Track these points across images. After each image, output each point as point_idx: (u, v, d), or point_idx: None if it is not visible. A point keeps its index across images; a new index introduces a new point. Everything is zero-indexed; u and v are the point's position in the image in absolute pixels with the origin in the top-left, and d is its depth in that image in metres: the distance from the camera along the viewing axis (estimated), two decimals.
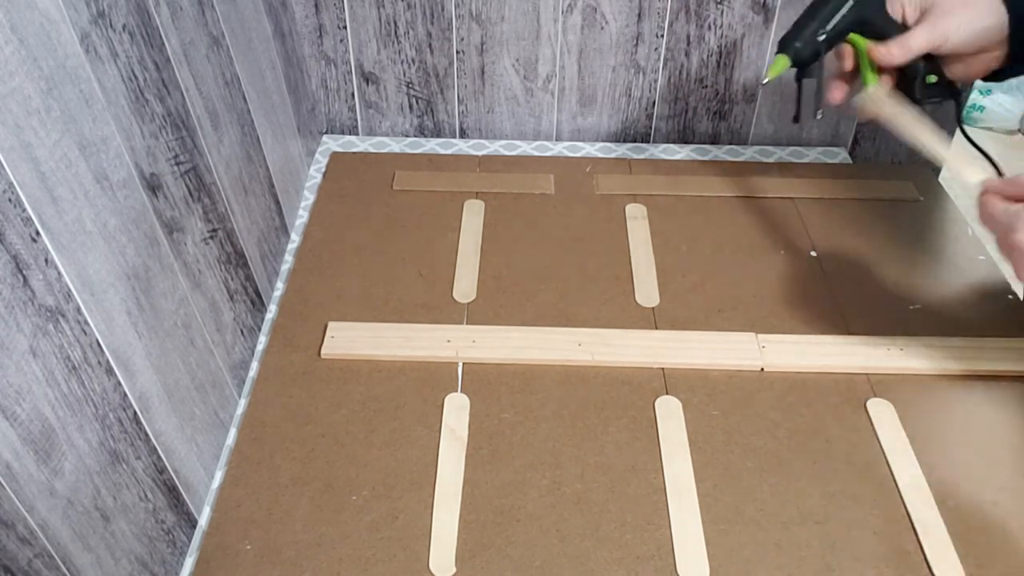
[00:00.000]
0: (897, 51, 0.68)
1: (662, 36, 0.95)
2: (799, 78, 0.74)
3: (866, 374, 0.72)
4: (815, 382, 0.72)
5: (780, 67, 0.72)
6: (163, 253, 0.59)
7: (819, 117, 0.73)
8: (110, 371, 0.51)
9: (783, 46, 0.72)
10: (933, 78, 0.70)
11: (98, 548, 0.50)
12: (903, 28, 0.69)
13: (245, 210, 0.75)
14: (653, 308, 0.79)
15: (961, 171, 0.65)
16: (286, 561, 0.60)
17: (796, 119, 0.76)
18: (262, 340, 0.78)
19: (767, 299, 0.80)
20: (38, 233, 0.44)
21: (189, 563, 0.61)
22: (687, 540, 0.61)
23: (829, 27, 0.71)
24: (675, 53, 0.97)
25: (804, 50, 0.71)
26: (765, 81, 0.74)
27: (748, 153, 1.02)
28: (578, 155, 1.01)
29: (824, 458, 0.66)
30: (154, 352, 0.57)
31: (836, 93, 0.72)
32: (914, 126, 0.69)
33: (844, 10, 0.70)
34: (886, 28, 0.69)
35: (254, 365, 0.75)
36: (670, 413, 0.69)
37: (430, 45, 0.97)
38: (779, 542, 0.61)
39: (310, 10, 0.95)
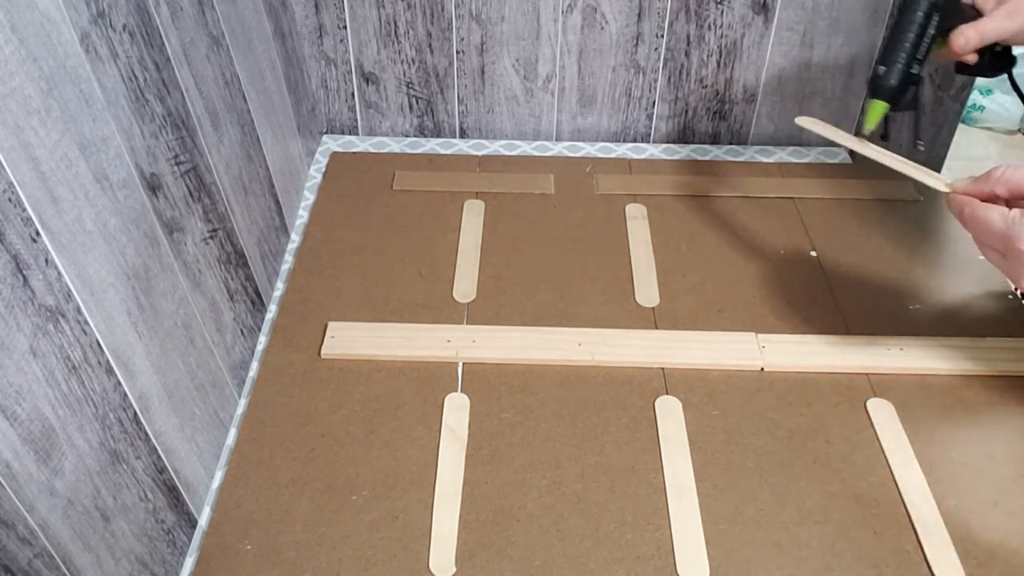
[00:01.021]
0: (973, 34, 0.65)
1: (662, 36, 0.95)
2: (895, 111, 0.69)
3: (866, 374, 0.72)
4: (815, 382, 0.72)
5: (879, 113, 0.67)
6: (163, 253, 0.59)
7: (920, 148, 0.69)
8: (110, 371, 0.51)
9: (877, 90, 0.67)
10: (999, 47, 0.67)
11: (98, 548, 0.50)
12: (977, 15, 0.66)
13: (245, 210, 0.75)
14: (653, 308, 0.79)
15: (926, 179, 0.63)
16: (286, 561, 0.60)
17: (917, 143, 0.72)
18: (262, 340, 0.78)
19: (767, 299, 0.80)
20: (38, 233, 0.44)
21: (189, 563, 0.61)
22: (687, 540, 0.61)
23: (921, 54, 0.66)
24: (675, 53, 0.97)
25: (902, 87, 0.66)
26: (868, 133, 0.68)
27: (748, 153, 1.02)
28: (578, 155, 1.01)
29: (824, 458, 0.66)
30: (154, 352, 0.57)
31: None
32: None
33: (932, 30, 0.65)
34: (963, 20, 0.66)
35: (254, 365, 0.75)
36: (670, 413, 0.69)
37: (430, 45, 0.97)
38: (779, 542, 0.61)
39: (310, 10, 0.95)
